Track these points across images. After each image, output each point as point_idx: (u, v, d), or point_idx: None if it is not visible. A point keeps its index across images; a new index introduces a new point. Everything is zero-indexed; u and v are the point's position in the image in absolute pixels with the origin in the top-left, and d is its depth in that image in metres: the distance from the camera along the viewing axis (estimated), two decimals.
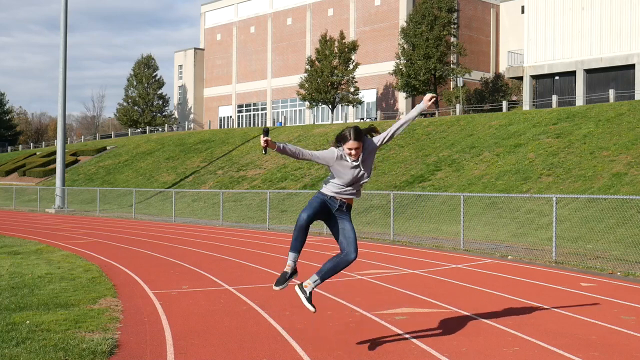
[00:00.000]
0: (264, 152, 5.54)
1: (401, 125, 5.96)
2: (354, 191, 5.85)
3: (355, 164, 5.72)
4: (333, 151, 5.74)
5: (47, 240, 16.92)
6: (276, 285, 5.84)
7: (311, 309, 5.73)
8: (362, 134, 5.67)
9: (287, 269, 5.80)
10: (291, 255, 5.77)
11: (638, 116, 26.71)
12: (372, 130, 5.89)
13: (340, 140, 5.71)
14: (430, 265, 12.04)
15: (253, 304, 8.12)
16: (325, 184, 5.90)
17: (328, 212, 5.84)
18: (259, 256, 13.47)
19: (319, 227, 21.00)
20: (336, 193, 5.80)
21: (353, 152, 5.62)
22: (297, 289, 5.85)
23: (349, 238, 5.80)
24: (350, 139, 5.60)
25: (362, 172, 5.76)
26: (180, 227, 22.59)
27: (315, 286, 5.78)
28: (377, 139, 5.87)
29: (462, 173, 26.67)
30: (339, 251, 5.94)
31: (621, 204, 17.50)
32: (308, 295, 5.76)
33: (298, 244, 5.72)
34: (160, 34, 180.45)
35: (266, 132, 5.50)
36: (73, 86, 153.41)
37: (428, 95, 6.00)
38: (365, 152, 5.75)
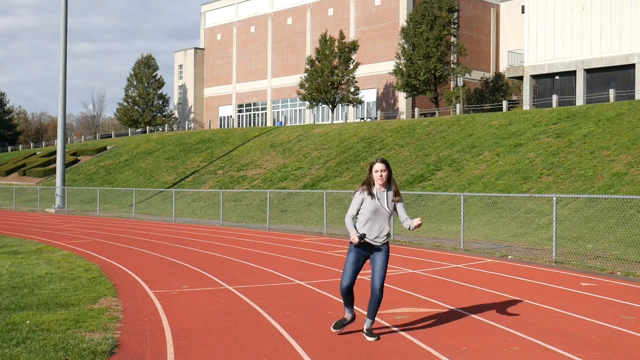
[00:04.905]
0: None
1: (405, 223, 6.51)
2: (379, 229, 6.36)
3: (377, 198, 6.34)
4: (356, 195, 6.48)
5: (47, 240, 16.92)
6: (334, 327, 6.56)
7: (370, 339, 6.36)
8: (388, 163, 6.46)
9: (347, 317, 6.58)
10: (347, 309, 6.55)
11: (638, 116, 26.70)
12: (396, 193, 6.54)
13: (370, 167, 6.44)
14: (430, 265, 12.04)
15: (253, 304, 8.12)
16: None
17: (367, 257, 6.45)
18: (259, 256, 13.47)
19: (319, 226, 20.99)
20: (365, 237, 6.36)
21: (379, 174, 6.34)
22: (363, 333, 6.52)
23: (374, 271, 6.41)
24: (377, 162, 6.40)
25: (380, 204, 6.35)
26: (181, 227, 22.59)
27: (371, 324, 6.45)
28: (399, 206, 6.49)
29: (462, 173, 26.67)
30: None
31: (621, 204, 17.50)
32: (366, 331, 6.44)
33: (349, 302, 6.48)
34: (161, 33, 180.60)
35: (362, 236, 6.32)
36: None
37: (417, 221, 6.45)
38: (389, 192, 6.41)
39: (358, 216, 6.46)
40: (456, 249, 14.89)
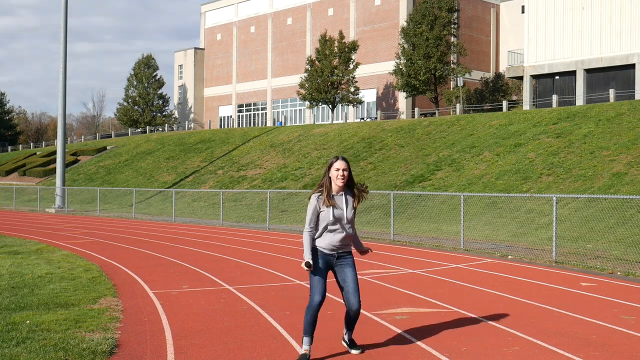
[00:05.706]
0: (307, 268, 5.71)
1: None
2: (340, 237, 5.77)
3: (336, 206, 5.70)
4: (312, 201, 5.79)
5: (47, 240, 16.92)
6: None
7: (354, 352, 5.92)
8: (348, 162, 5.81)
9: (304, 351, 5.64)
10: (306, 340, 5.68)
11: (638, 116, 26.70)
12: (363, 191, 5.89)
13: (329, 166, 5.77)
14: (430, 265, 12.04)
15: (253, 304, 8.13)
16: (315, 241, 5.82)
17: (331, 267, 5.84)
18: (259, 256, 13.47)
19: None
20: (325, 246, 5.76)
21: (341, 172, 5.69)
22: (342, 341, 6.12)
23: (348, 291, 5.78)
24: (337, 160, 5.73)
25: (340, 211, 5.73)
26: (181, 227, 22.59)
27: (351, 334, 5.98)
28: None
29: (462, 173, 26.67)
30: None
31: (621, 204, 17.50)
32: (349, 342, 6.00)
33: (312, 328, 5.69)
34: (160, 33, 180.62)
35: (308, 265, 5.66)
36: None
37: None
38: (349, 195, 5.80)
39: (317, 226, 5.79)
40: (456, 249, 14.89)
